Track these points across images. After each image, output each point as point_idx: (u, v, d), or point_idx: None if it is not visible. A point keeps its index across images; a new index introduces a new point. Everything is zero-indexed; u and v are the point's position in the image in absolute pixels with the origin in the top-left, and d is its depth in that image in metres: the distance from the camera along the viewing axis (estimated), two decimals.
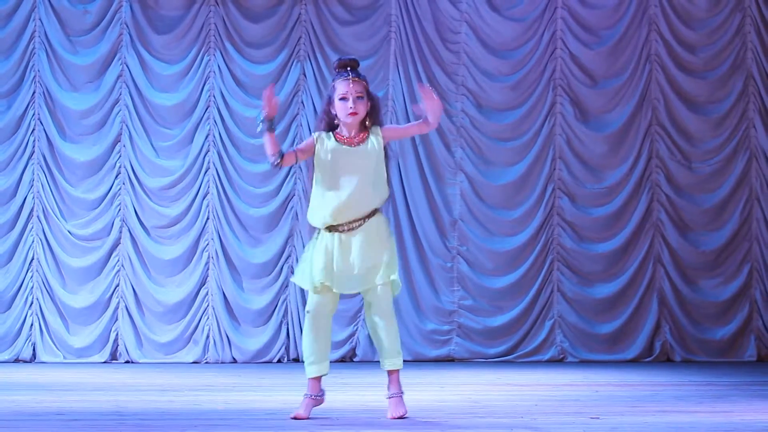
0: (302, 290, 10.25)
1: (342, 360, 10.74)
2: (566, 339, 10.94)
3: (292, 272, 10.82)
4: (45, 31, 10.78)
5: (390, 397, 5.89)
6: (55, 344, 10.65)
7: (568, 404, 6.68)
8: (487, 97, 11.07)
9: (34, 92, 10.79)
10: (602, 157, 11.10)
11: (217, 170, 10.87)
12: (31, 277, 10.73)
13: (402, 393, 5.88)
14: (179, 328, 10.75)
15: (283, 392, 7.43)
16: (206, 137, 10.89)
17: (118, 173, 10.83)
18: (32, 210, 10.76)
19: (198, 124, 10.88)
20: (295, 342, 10.71)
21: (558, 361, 10.87)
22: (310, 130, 10.45)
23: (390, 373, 5.92)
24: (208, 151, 10.88)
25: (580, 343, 10.95)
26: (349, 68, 5.88)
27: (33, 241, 10.74)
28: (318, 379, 5.88)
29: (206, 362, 10.71)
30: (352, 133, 5.85)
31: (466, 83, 11.05)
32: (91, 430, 5.30)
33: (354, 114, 5.82)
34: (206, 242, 10.84)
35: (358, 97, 5.82)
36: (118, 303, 10.75)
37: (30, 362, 10.60)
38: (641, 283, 11.02)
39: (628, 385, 8.26)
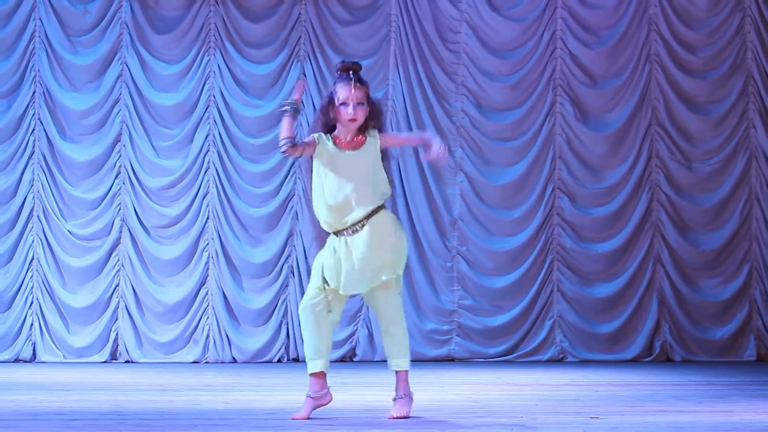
0: (302, 290, 10.25)
1: (342, 360, 10.74)
2: (566, 339, 10.94)
3: (292, 272, 10.83)
4: (45, 31, 10.78)
5: (395, 399, 5.89)
6: (55, 344, 10.65)
7: (567, 404, 6.69)
8: (487, 97, 11.08)
9: (34, 92, 10.79)
10: (602, 157, 11.11)
11: (217, 170, 10.87)
12: (31, 276, 10.73)
13: (408, 395, 5.87)
14: (179, 327, 10.75)
15: (283, 392, 7.43)
16: (206, 137, 10.89)
17: (118, 173, 10.83)
18: (32, 210, 10.76)
19: (198, 124, 10.89)
20: (295, 342, 10.71)
21: (558, 361, 10.87)
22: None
23: (397, 373, 5.92)
24: (208, 150, 10.89)
25: (580, 342, 10.95)
26: (351, 72, 5.86)
27: (33, 241, 10.74)
28: (317, 376, 5.86)
29: (206, 362, 10.71)
30: (349, 137, 5.84)
31: (465, 83, 11.05)
32: (91, 430, 5.30)
33: (353, 120, 5.82)
34: (206, 242, 10.85)
35: (358, 104, 5.82)
36: (118, 303, 10.75)
37: (30, 362, 10.60)
38: (641, 283, 11.02)
39: (627, 384, 8.27)
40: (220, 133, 10.87)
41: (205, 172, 10.87)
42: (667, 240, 11.05)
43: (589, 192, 11.08)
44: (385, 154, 5.89)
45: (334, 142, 5.85)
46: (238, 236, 10.85)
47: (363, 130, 5.87)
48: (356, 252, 5.74)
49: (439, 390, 7.64)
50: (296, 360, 10.67)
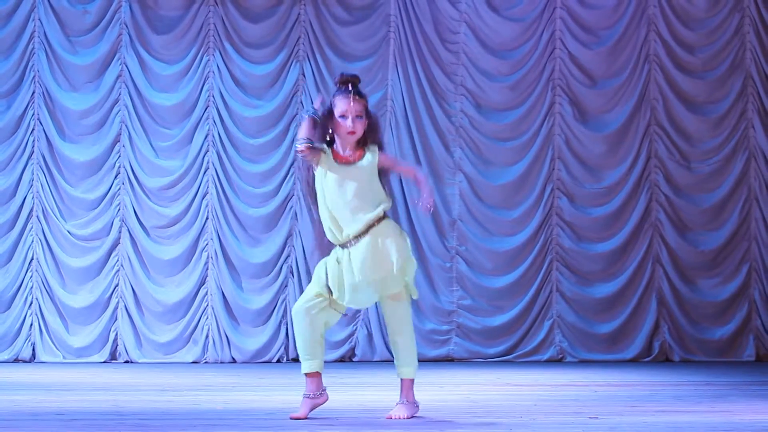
0: (301, 290, 10.25)
1: (341, 360, 10.75)
2: (565, 339, 10.94)
3: (292, 272, 10.83)
4: (44, 31, 10.79)
5: (398, 403, 5.90)
6: (54, 344, 10.65)
7: (567, 404, 6.69)
8: (486, 97, 11.08)
9: (33, 92, 10.79)
10: (601, 157, 11.11)
11: (217, 170, 10.87)
12: (31, 277, 10.74)
13: (411, 402, 5.87)
14: (178, 328, 10.75)
15: (283, 392, 7.43)
16: (205, 137, 10.89)
17: (118, 173, 10.84)
18: (32, 210, 10.76)
19: (197, 124, 10.89)
20: (295, 342, 10.70)
21: (557, 361, 10.87)
22: None
23: (403, 381, 5.94)
24: (208, 151, 10.89)
25: (579, 342, 10.95)
26: (350, 85, 5.86)
27: (32, 241, 10.74)
28: (313, 376, 5.87)
29: (205, 362, 10.71)
30: (347, 151, 5.84)
31: (465, 83, 11.06)
32: (91, 430, 5.30)
33: (352, 133, 5.82)
34: (205, 242, 10.85)
35: (357, 116, 5.82)
36: (118, 303, 10.75)
37: (29, 362, 10.61)
38: (640, 283, 11.03)
39: (627, 384, 8.27)
40: (219, 134, 10.88)
41: (205, 172, 10.88)
42: (666, 240, 11.05)
43: (588, 192, 11.09)
44: (384, 171, 5.89)
45: (333, 156, 5.85)
46: (238, 236, 10.85)
47: (362, 143, 5.87)
48: (356, 265, 5.75)
49: (439, 390, 7.64)
50: (295, 360, 10.64)
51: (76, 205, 10.79)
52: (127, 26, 10.84)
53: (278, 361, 10.75)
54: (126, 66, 10.84)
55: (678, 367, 10.24)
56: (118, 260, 10.78)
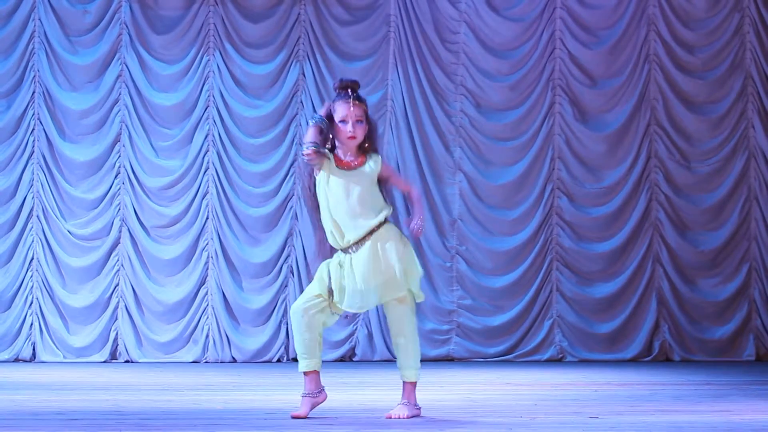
0: (302, 289, 10.25)
1: (341, 360, 10.75)
2: (565, 338, 10.95)
3: (292, 272, 10.84)
4: (45, 31, 10.79)
5: (399, 404, 5.90)
6: (54, 344, 10.65)
7: (567, 404, 6.69)
8: (486, 97, 11.08)
9: (33, 92, 10.79)
10: (601, 156, 11.11)
11: (217, 170, 10.87)
12: (31, 276, 10.74)
13: (412, 404, 5.88)
14: (179, 327, 10.76)
15: (283, 392, 7.43)
16: (205, 137, 10.89)
17: (118, 173, 10.84)
18: (32, 210, 10.77)
19: (197, 124, 10.89)
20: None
21: (557, 361, 10.88)
22: None
23: (405, 383, 5.95)
24: (208, 151, 10.89)
25: (579, 342, 10.95)
26: (350, 90, 5.86)
27: (33, 241, 10.75)
28: (312, 375, 5.88)
29: (206, 362, 10.71)
30: (348, 156, 5.85)
31: (465, 83, 11.06)
32: (91, 430, 5.30)
33: (353, 138, 5.82)
34: (206, 242, 10.85)
35: (357, 121, 5.83)
36: (118, 302, 10.76)
37: (30, 362, 10.61)
38: (640, 283, 11.03)
39: (627, 384, 8.27)
40: (219, 133, 10.88)
41: (205, 172, 10.88)
42: (666, 240, 11.06)
43: (588, 192, 11.09)
44: (384, 181, 5.89)
45: (335, 161, 5.86)
46: (238, 236, 10.86)
47: (363, 149, 5.87)
48: (358, 270, 5.76)
49: (439, 390, 7.64)
50: (296, 360, 10.62)
51: (77, 204, 10.79)
52: (127, 26, 10.84)
53: (278, 360, 10.75)
54: (126, 66, 10.85)
55: (678, 367, 10.24)
56: (118, 260, 10.78)
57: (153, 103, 10.86)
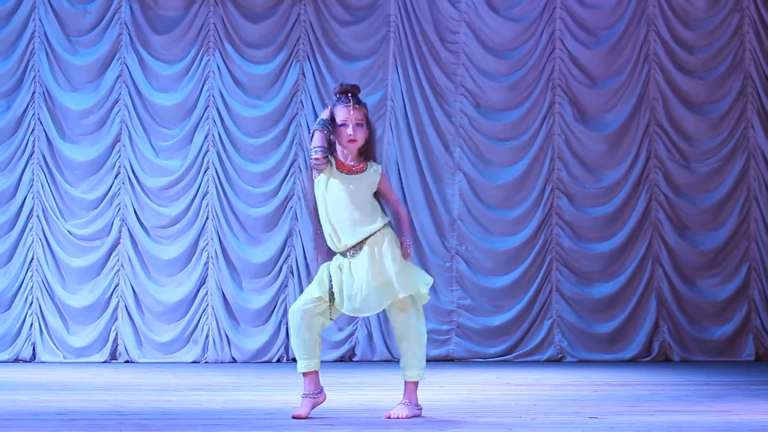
0: (302, 289, 10.26)
1: (341, 360, 10.76)
2: (565, 338, 10.95)
3: (292, 272, 10.84)
4: (45, 31, 10.79)
5: (400, 403, 5.91)
6: (54, 344, 10.66)
7: (566, 404, 6.70)
8: (486, 97, 11.09)
9: (33, 92, 10.80)
10: (601, 156, 11.12)
11: (217, 170, 10.88)
12: (31, 276, 10.74)
13: (413, 404, 5.88)
14: (179, 327, 10.76)
15: (283, 392, 7.44)
16: (205, 137, 10.90)
17: (118, 173, 10.84)
18: (32, 210, 10.77)
19: (197, 124, 10.90)
20: None
21: (557, 361, 10.88)
22: (309, 130, 10.46)
23: (407, 383, 5.95)
24: (208, 151, 10.90)
25: (579, 342, 10.96)
26: (350, 94, 5.89)
27: (33, 241, 10.75)
28: (311, 375, 5.89)
29: (205, 362, 10.72)
30: (349, 160, 5.86)
31: (464, 83, 11.07)
32: (91, 430, 5.31)
33: (353, 141, 5.84)
34: (206, 242, 10.86)
35: (357, 125, 5.85)
36: (118, 303, 10.76)
37: (30, 362, 10.61)
38: (640, 283, 11.03)
39: (626, 384, 8.28)
40: (219, 134, 10.89)
41: (205, 172, 10.89)
42: (666, 240, 11.06)
43: (587, 192, 11.10)
44: (379, 194, 5.91)
45: (336, 164, 5.87)
46: (238, 236, 10.86)
47: (364, 155, 5.89)
48: (357, 274, 5.77)
49: (438, 390, 7.65)
50: (296, 360, 10.65)
51: (77, 204, 10.80)
52: (127, 26, 10.85)
53: (278, 360, 10.76)
54: (126, 66, 10.85)
55: (677, 367, 10.25)
56: (118, 260, 10.79)
57: (153, 103, 10.86)
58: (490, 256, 11.02)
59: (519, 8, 11.14)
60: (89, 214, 10.80)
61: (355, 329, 10.84)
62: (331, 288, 5.82)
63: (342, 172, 5.82)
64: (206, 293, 10.81)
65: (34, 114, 10.79)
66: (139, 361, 10.66)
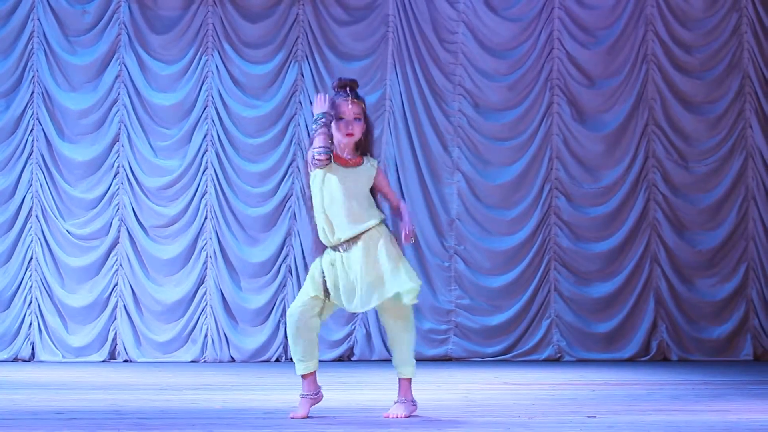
0: (299, 290, 10.25)
1: (340, 359, 10.76)
2: (563, 338, 10.96)
3: (290, 272, 10.85)
4: (44, 31, 10.80)
5: (396, 401, 5.92)
6: (53, 343, 10.66)
7: (564, 403, 6.70)
8: (485, 97, 11.10)
9: (32, 92, 10.80)
10: (599, 156, 11.13)
11: (215, 170, 10.89)
12: (30, 276, 10.75)
13: (409, 401, 5.89)
14: (177, 327, 10.77)
15: (281, 391, 7.44)
16: (204, 137, 10.91)
17: (117, 173, 10.85)
18: (31, 209, 10.78)
19: (196, 124, 10.90)
20: None
21: (555, 360, 10.89)
22: (308, 131, 10.47)
23: (401, 380, 5.96)
24: (206, 150, 10.90)
25: (577, 342, 10.97)
26: (348, 88, 5.89)
27: (32, 241, 10.76)
28: (310, 376, 5.90)
29: (204, 361, 10.73)
30: (345, 154, 5.86)
31: (463, 83, 11.07)
32: (90, 429, 5.31)
33: (351, 135, 5.84)
34: (204, 242, 10.86)
35: (355, 119, 5.85)
36: (117, 302, 10.77)
37: (29, 361, 10.62)
38: (638, 283, 11.04)
39: (624, 384, 8.28)
40: (218, 133, 10.89)
41: (203, 171, 10.89)
42: (664, 240, 11.07)
43: (586, 192, 11.10)
44: (376, 189, 5.91)
45: (333, 157, 5.87)
46: (236, 236, 10.87)
47: (360, 149, 5.89)
48: (352, 270, 5.77)
49: (437, 389, 7.66)
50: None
51: (75, 204, 10.80)
52: (126, 26, 10.85)
53: (277, 360, 10.76)
54: (125, 66, 10.86)
55: (675, 367, 10.25)
56: (117, 260, 10.80)
57: (152, 103, 10.87)
58: (489, 256, 11.03)
59: (517, 8, 11.15)
60: (88, 213, 10.80)
61: (354, 329, 10.85)
62: (325, 284, 5.82)
63: (339, 165, 5.82)
64: (205, 293, 10.82)
65: (33, 114, 10.79)
66: (138, 360, 10.67)
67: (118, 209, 10.82)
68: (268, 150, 10.92)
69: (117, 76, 10.86)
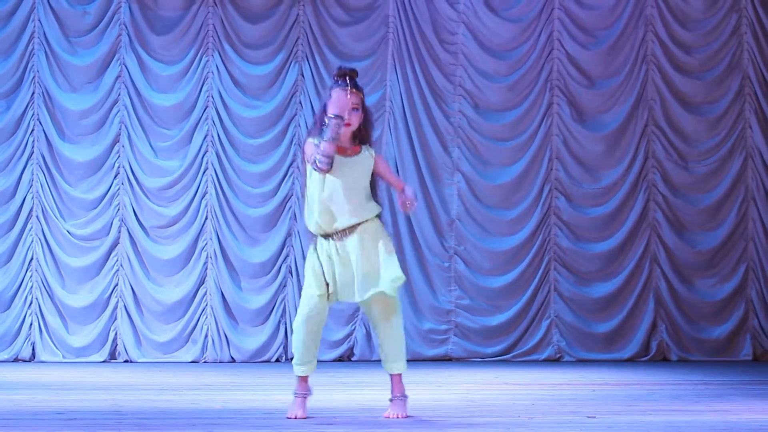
0: (299, 290, 10.26)
1: (340, 359, 10.77)
2: (563, 338, 10.97)
3: (290, 272, 10.85)
4: (44, 32, 10.81)
5: (392, 399, 5.91)
6: (54, 344, 10.67)
7: (564, 403, 6.71)
8: (485, 98, 11.10)
9: (33, 93, 10.81)
10: (599, 157, 11.14)
11: (216, 170, 10.89)
12: (31, 276, 10.76)
13: (406, 397, 5.91)
14: (178, 327, 10.77)
15: (281, 391, 7.44)
16: (204, 137, 10.91)
17: (117, 173, 10.86)
18: (31, 210, 10.79)
19: (196, 125, 10.91)
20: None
21: (555, 361, 10.90)
22: (308, 131, 10.46)
23: (392, 376, 5.95)
24: (207, 151, 10.91)
25: (577, 342, 10.97)
26: (348, 78, 5.88)
27: (32, 241, 10.77)
28: (306, 377, 5.90)
29: (205, 361, 10.73)
30: (344, 142, 5.85)
31: (463, 84, 11.08)
32: (90, 429, 5.32)
33: (348, 125, 5.83)
34: (205, 242, 10.87)
35: (353, 109, 5.84)
36: (117, 302, 10.78)
37: (29, 361, 10.63)
38: (638, 283, 11.05)
39: (624, 384, 8.29)
40: (218, 134, 10.90)
41: (204, 172, 10.90)
42: (664, 240, 11.08)
43: (585, 192, 11.11)
44: (378, 175, 5.90)
45: None
46: (237, 236, 10.88)
47: (358, 139, 5.88)
48: (350, 257, 5.76)
49: (437, 389, 7.66)
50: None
51: (76, 205, 10.81)
52: (126, 27, 10.86)
53: (277, 360, 10.77)
54: (125, 66, 10.86)
55: (675, 367, 10.26)
56: (117, 260, 10.80)
57: (152, 104, 10.88)
58: (489, 256, 11.03)
59: (517, 9, 11.16)
60: (88, 214, 10.81)
61: (354, 329, 10.85)
62: (326, 278, 5.80)
63: (337, 154, 5.81)
64: (205, 293, 10.83)
65: (33, 114, 10.80)
66: (139, 360, 10.67)
67: (118, 210, 10.83)
68: (269, 150, 10.93)
69: (117, 77, 10.87)
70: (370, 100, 10.68)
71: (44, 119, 10.79)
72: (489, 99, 11.10)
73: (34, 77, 10.81)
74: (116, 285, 10.79)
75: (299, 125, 10.92)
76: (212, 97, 10.92)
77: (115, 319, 10.76)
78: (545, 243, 11.07)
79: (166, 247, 10.84)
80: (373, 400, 6.80)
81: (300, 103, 10.94)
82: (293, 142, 10.90)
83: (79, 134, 10.84)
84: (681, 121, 11.13)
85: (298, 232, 10.84)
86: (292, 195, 10.91)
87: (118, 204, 10.83)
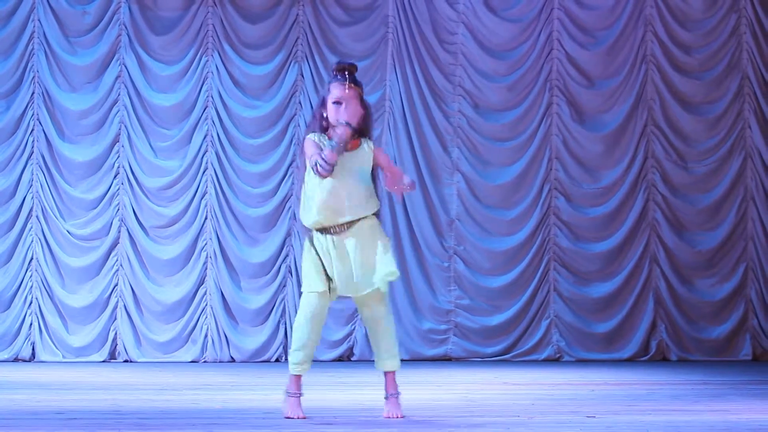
0: (299, 290, 10.25)
1: (339, 359, 10.77)
2: (563, 338, 10.97)
3: (290, 272, 10.86)
4: (44, 32, 10.81)
5: (387, 398, 5.91)
6: (54, 343, 10.67)
7: (564, 403, 6.71)
8: (484, 98, 11.11)
9: (33, 93, 10.82)
10: (598, 157, 11.14)
11: (215, 170, 10.90)
12: (30, 276, 10.76)
13: (399, 394, 5.91)
14: (177, 327, 10.78)
15: (281, 391, 7.44)
16: (204, 137, 10.92)
17: (117, 173, 10.86)
18: (31, 210, 10.79)
19: (196, 125, 10.91)
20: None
21: (554, 360, 10.90)
22: (307, 126, 10.46)
23: (386, 374, 5.94)
24: (207, 151, 10.91)
25: (577, 342, 10.98)
26: (346, 72, 5.86)
27: (32, 241, 10.77)
28: (301, 376, 5.90)
29: (204, 361, 10.74)
30: None
31: (462, 84, 11.08)
32: (90, 429, 5.32)
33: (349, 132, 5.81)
34: (204, 242, 10.87)
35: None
36: (117, 302, 10.78)
37: (29, 361, 10.63)
38: (637, 283, 11.05)
39: (624, 384, 8.29)
40: (218, 134, 10.90)
41: (204, 172, 10.90)
42: (663, 240, 11.08)
43: (585, 192, 11.12)
44: (380, 167, 5.89)
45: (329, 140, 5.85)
46: (236, 236, 10.88)
47: (357, 133, 5.86)
48: (348, 252, 5.75)
49: (436, 389, 7.66)
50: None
51: (76, 205, 10.82)
52: (126, 27, 10.86)
53: (277, 360, 10.77)
54: (125, 66, 10.87)
55: (675, 367, 10.26)
56: (117, 260, 10.81)
57: (152, 104, 10.88)
58: (488, 256, 11.04)
59: (517, 9, 11.16)
60: (88, 214, 10.82)
61: (354, 329, 10.85)
62: (327, 273, 5.80)
63: None
64: (205, 293, 10.83)
65: (33, 114, 10.81)
66: (138, 360, 10.68)
67: (118, 210, 10.84)
68: (268, 150, 10.93)
69: (117, 77, 10.87)
70: (370, 101, 10.66)
71: (44, 119, 10.79)
72: (488, 99, 11.11)
73: (33, 77, 10.81)
74: (116, 285, 10.79)
75: (299, 125, 10.92)
76: (212, 97, 10.93)
77: (115, 319, 10.77)
78: (545, 243, 11.08)
79: (166, 247, 10.84)
80: (372, 399, 6.80)
81: (299, 103, 10.94)
82: (293, 142, 10.90)
83: (78, 134, 10.84)
84: (680, 121, 11.13)
85: (298, 232, 10.84)
86: (291, 195, 10.91)
87: (118, 204, 10.84)
